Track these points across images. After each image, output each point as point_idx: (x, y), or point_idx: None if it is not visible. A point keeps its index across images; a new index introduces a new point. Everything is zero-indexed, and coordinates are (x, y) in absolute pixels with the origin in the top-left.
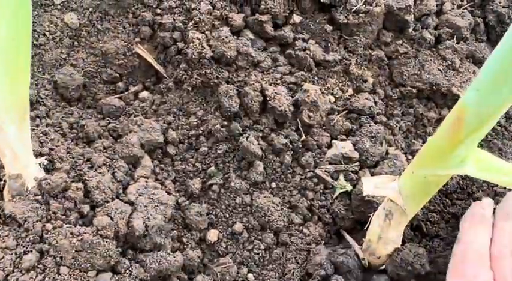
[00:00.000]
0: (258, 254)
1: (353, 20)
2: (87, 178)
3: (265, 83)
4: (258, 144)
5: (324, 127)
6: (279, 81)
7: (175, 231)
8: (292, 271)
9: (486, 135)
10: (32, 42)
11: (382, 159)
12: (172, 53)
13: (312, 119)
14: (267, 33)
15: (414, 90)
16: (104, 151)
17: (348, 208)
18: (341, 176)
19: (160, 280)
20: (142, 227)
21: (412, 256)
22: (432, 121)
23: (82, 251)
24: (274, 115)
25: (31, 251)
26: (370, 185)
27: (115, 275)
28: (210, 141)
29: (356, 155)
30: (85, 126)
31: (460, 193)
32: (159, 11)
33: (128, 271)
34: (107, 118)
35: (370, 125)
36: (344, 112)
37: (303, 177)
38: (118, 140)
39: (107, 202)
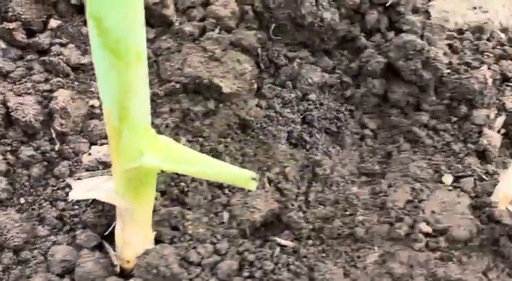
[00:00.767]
0: None
1: None
2: None
3: (13, 94)
4: (5, 159)
5: (82, 133)
6: (30, 91)
7: None
8: None
9: None
10: None
11: None
12: None
13: (64, 126)
14: (19, 41)
15: (178, 86)
16: None
17: (102, 214)
18: None
19: None
20: None
21: (158, 258)
22: (199, 115)
23: None
24: (21, 127)
25: None
26: (81, 189)
27: None
28: None
29: (109, 159)
30: None
31: None
32: None
33: None
34: None
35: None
36: None
37: (55, 188)
38: None
39: None
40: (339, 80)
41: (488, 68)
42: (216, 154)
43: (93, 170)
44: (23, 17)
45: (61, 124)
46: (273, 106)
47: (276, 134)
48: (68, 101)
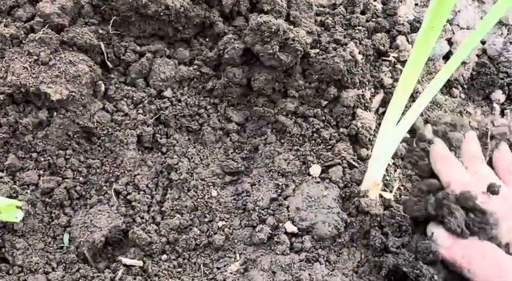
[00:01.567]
0: None
1: None
2: None
3: None
4: None
5: None
6: None
7: None
8: None
9: None
10: None
11: None
12: None
13: None
14: None
15: (3, 97)
16: None
17: None
18: None
19: None
20: None
21: None
22: (29, 128)
23: None
24: None
25: None
26: None
27: None
28: None
29: None
30: None
31: None
32: None
33: None
34: None
35: None
36: None
37: None
38: None
39: None
40: (198, 72)
41: (360, 44)
42: (54, 170)
43: None
44: None
45: None
46: (121, 108)
47: (124, 140)
48: None
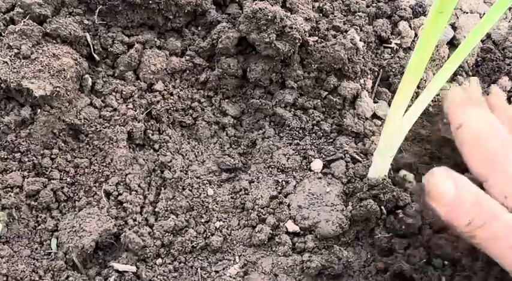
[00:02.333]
0: None
1: None
2: None
3: None
4: None
5: None
6: None
7: None
8: None
9: None
10: None
11: None
12: None
13: None
14: None
15: None
16: None
17: None
18: None
19: None
20: None
21: None
22: (12, 126)
23: None
24: None
25: None
26: None
27: None
28: None
29: None
30: None
31: None
32: None
33: None
34: None
35: None
36: None
37: None
38: None
39: None
40: (191, 64)
41: (360, 30)
42: (40, 171)
43: None
44: None
45: None
46: (110, 103)
47: (113, 137)
48: None
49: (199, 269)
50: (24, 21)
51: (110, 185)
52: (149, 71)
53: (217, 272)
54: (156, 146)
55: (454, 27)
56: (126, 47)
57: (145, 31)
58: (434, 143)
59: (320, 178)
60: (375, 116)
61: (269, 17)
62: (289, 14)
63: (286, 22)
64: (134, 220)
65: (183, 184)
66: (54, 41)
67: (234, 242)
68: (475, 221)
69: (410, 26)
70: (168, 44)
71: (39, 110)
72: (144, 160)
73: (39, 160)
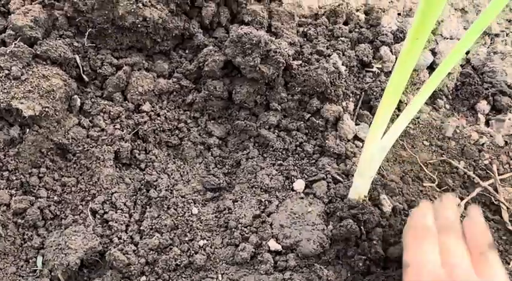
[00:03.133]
0: None
1: None
2: None
3: None
4: None
5: None
6: None
7: None
8: None
9: None
10: None
11: None
12: None
13: None
14: None
15: None
16: None
17: None
18: None
19: None
20: None
21: None
22: (0, 145)
23: None
24: None
25: None
26: None
27: None
28: None
29: None
30: None
31: None
32: None
33: None
34: None
35: None
36: None
37: None
38: None
39: None
40: (177, 85)
41: (343, 55)
42: (27, 189)
43: None
44: None
45: None
46: (98, 124)
47: (100, 156)
48: None
49: None
50: (15, 43)
51: (96, 204)
52: (137, 92)
53: None
54: (143, 165)
55: (433, 52)
56: (115, 68)
57: (133, 53)
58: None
59: (302, 198)
60: (356, 137)
61: (254, 42)
62: (274, 38)
63: (270, 46)
64: (119, 238)
65: (168, 203)
66: (44, 63)
67: (217, 260)
68: None
69: (391, 51)
70: (156, 66)
71: (28, 130)
72: (130, 179)
73: (26, 178)
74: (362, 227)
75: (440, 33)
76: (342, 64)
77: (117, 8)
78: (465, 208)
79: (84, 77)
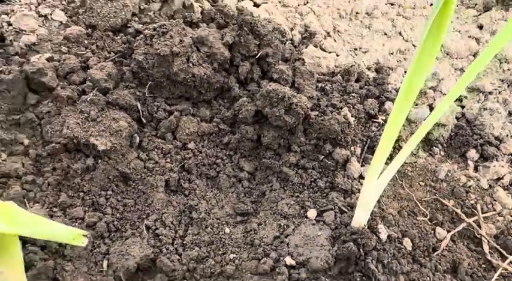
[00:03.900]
0: None
1: None
2: None
3: None
4: None
5: None
6: None
7: None
8: None
9: None
10: None
11: None
12: None
13: None
14: None
15: (59, 146)
16: None
17: None
18: None
19: None
20: None
21: None
22: (78, 172)
23: None
24: None
25: None
26: None
27: None
28: None
29: None
30: None
31: None
32: None
33: None
34: None
35: (17, 185)
36: None
37: None
38: None
39: None
40: (216, 129)
41: (353, 108)
42: (97, 207)
43: None
44: None
45: None
46: (153, 157)
47: (154, 184)
48: None
49: None
50: (93, 93)
51: (150, 221)
52: (184, 133)
53: None
54: (186, 192)
55: (431, 107)
56: (167, 113)
57: (182, 102)
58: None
59: (314, 224)
60: (361, 177)
61: (280, 96)
62: (296, 93)
63: (293, 100)
64: (167, 249)
65: (206, 223)
66: (114, 108)
67: (244, 270)
68: None
69: None
70: (200, 112)
71: (100, 161)
72: (176, 202)
73: (97, 198)
74: (361, 250)
75: (440, 90)
76: (352, 116)
77: (172, 67)
78: (451, 240)
79: (143, 119)
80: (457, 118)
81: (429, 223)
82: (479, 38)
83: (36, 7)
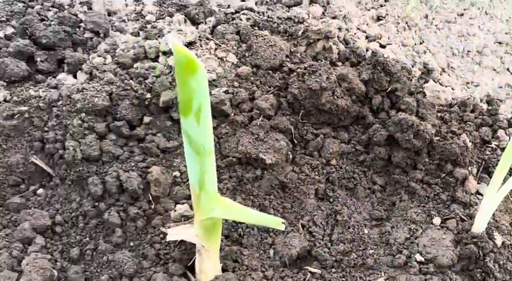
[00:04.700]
0: None
1: None
2: None
3: (122, 170)
4: (118, 216)
5: (169, 196)
6: (133, 168)
7: None
8: None
9: None
10: None
11: None
12: (56, 158)
13: (157, 191)
14: (124, 133)
15: (234, 159)
16: (6, 237)
17: (185, 252)
18: None
19: None
20: None
21: (224, 280)
22: (250, 180)
23: None
24: (129, 193)
25: None
26: (175, 233)
27: None
28: (85, 219)
29: (192, 213)
30: None
31: None
32: (45, 129)
33: None
34: (11, 212)
35: None
36: (187, 182)
37: (153, 235)
38: (16, 228)
39: (2, 272)
40: (353, 149)
41: (470, 134)
42: (263, 208)
43: (178, 222)
44: (126, 117)
45: (155, 190)
46: (304, 171)
47: (306, 192)
48: (159, 174)
49: (358, 278)
50: (260, 118)
51: (304, 221)
52: (328, 152)
53: None
54: (331, 199)
55: None
56: (314, 136)
57: (325, 126)
58: None
59: (439, 229)
60: (477, 192)
61: (409, 124)
62: (421, 121)
63: (420, 127)
64: (319, 243)
65: (348, 224)
66: (275, 131)
67: (381, 263)
68: None
69: (506, 133)
70: (339, 136)
71: (265, 172)
72: (324, 208)
73: (262, 201)
74: (480, 251)
75: None
76: (469, 141)
77: (320, 98)
78: None
79: (295, 140)
80: None
81: None
82: None
83: (214, 51)
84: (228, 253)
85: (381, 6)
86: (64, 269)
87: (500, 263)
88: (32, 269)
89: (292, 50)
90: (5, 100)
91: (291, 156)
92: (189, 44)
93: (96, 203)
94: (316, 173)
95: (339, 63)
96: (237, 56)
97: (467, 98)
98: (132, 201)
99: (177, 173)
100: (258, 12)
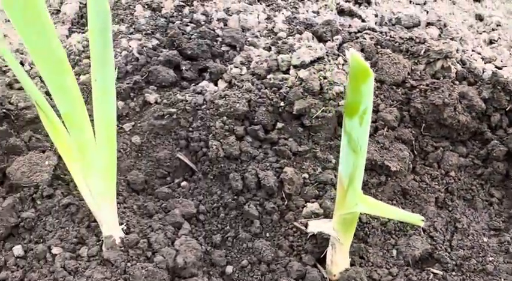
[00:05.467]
0: (257, 278)
1: (315, 123)
2: (149, 237)
3: (259, 169)
4: (256, 209)
5: (300, 195)
6: (268, 168)
7: (204, 267)
8: None
9: None
10: None
11: None
12: (200, 155)
13: (290, 190)
14: (260, 136)
15: None
16: (159, 220)
17: (316, 245)
18: None
19: None
20: (182, 262)
21: (354, 274)
22: (374, 185)
23: (148, 277)
24: (265, 190)
25: (119, 279)
26: (314, 226)
27: None
28: (226, 210)
29: (321, 211)
30: (147, 206)
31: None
32: (190, 129)
33: None
34: (161, 200)
35: (331, 191)
36: (315, 183)
37: (286, 228)
38: (168, 214)
39: (161, 249)
40: (472, 163)
41: None
42: None
43: (308, 218)
44: (262, 122)
45: (288, 189)
46: (424, 180)
47: (426, 199)
48: (293, 174)
49: None
50: (385, 129)
51: (425, 226)
52: (447, 164)
53: None
54: (450, 208)
55: None
56: (434, 148)
57: (444, 140)
58: None
59: None
60: None
61: None
62: None
63: None
64: (440, 247)
65: (467, 232)
66: (398, 141)
67: (501, 270)
68: None
69: None
70: (457, 149)
71: (389, 178)
72: (443, 215)
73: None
74: None
75: None
76: None
77: (442, 114)
78: None
79: (415, 152)
80: None
81: None
82: None
83: (342, 66)
84: (356, 250)
85: (493, 30)
86: (208, 252)
87: None
88: (186, 248)
89: (412, 68)
90: (156, 102)
91: (411, 165)
92: (318, 59)
93: (236, 197)
94: (436, 183)
95: (457, 82)
96: None
97: None
98: (267, 197)
99: (306, 175)
100: (381, 32)
